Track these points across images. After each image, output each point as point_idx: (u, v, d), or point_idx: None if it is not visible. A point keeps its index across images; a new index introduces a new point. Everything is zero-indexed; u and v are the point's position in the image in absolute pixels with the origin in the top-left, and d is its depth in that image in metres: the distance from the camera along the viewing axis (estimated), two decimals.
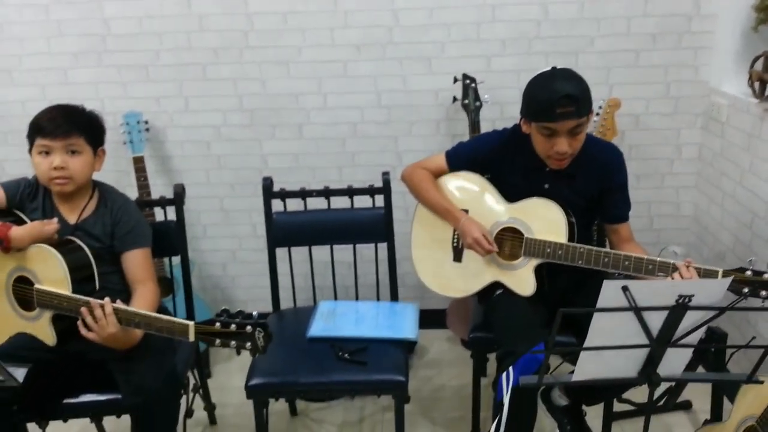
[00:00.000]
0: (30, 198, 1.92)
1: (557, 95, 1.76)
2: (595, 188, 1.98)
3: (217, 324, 1.57)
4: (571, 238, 1.91)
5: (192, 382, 2.19)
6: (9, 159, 2.87)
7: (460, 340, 2.94)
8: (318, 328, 2.09)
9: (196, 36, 2.70)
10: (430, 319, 2.75)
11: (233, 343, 1.56)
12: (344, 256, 2.50)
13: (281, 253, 2.30)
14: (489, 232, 1.96)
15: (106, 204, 1.94)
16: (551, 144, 1.85)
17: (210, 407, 2.40)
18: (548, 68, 1.87)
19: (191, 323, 1.61)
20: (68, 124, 1.84)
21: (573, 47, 2.69)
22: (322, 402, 2.58)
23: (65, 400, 1.82)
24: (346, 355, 1.95)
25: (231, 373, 2.78)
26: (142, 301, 1.84)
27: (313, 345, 2.03)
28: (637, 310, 1.29)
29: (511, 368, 1.70)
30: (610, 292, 1.28)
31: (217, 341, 1.57)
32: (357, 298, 2.40)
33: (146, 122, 2.71)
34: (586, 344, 1.35)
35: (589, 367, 1.40)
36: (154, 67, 2.74)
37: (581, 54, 2.70)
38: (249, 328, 1.54)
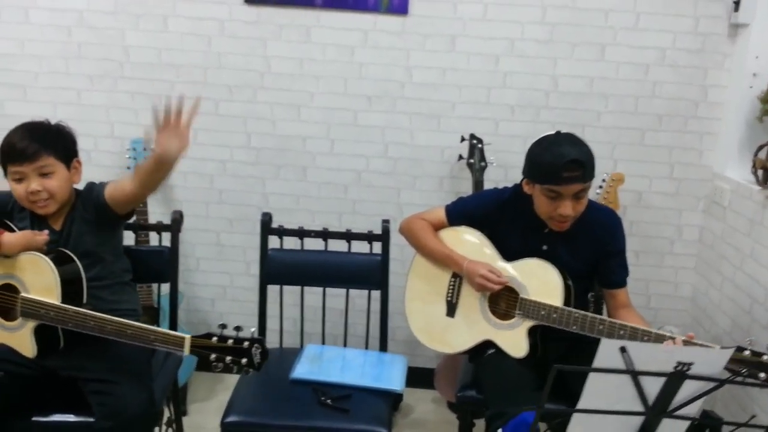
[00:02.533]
0: (19, 208, 1.90)
1: (564, 159, 1.78)
2: (594, 252, 1.98)
3: (214, 338, 1.54)
4: (567, 302, 1.89)
5: (167, 415, 2.11)
6: None
7: (446, 402, 2.85)
8: (302, 370, 2.03)
9: (213, 72, 2.75)
10: (418, 377, 2.69)
11: (229, 358, 1.53)
12: (336, 303, 2.46)
13: (272, 293, 2.26)
14: (494, 268, 1.94)
15: (83, 202, 1.91)
16: (555, 206, 1.85)
17: None
18: (552, 132, 1.90)
19: (188, 336, 1.57)
20: (35, 144, 1.80)
21: (580, 120, 2.74)
22: None
23: (34, 418, 1.74)
24: (329, 400, 1.89)
25: (207, 413, 2.68)
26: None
27: (295, 387, 1.97)
28: (634, 374, 1.26)
29: (500, 431, 1.64)
30: (607, 352, 1.25)
31: (213, 356, 1.54)
32: (345, 346, 2.34)
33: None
34: (579, 406, 1.31)
35: (580, 431, 1.35)
36: (167, 98, 2.76)
37: (588, 127, 2.74)
38: (246, 343, 1.51)
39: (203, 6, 2.67)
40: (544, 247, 1.95)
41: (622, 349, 1.23)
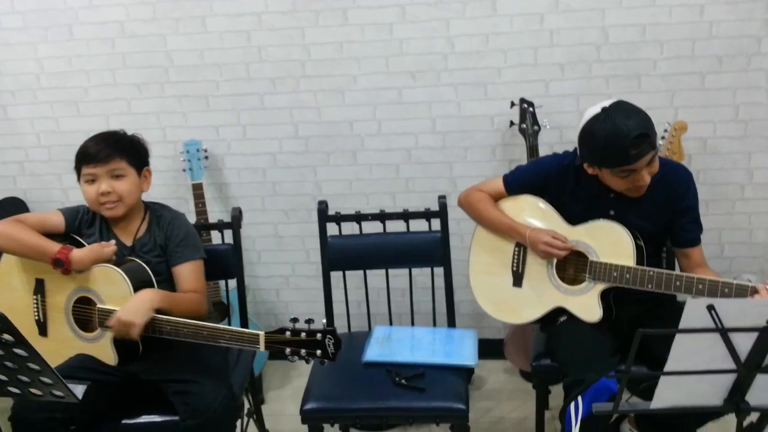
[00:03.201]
0: (87, 224, 1.96)
1: (628, 138, 1.68)
2: (665, 212, 1.89)
3: (287, 333, 1.56)
4: (639, 262, 1.82)
5: (246, 406, 2.16)
6: (74, 187, 2.92)
7: (518, 371, 2.83)
8: (373, 352, 2.04)
9: (255, 67, 2.75)
10: (487, 349, 2.66)
11: (303, 351, 1.56)
12: (398, 283, 2.46)
13: (335, 278, 2.27)
14: (558, 233, 1.88)
15: (158, 222, 1.96)
16: (632, 181, 1.77)
17: None
18: (598, 110, 1.76)
19: (262, 332, 1.60)
20: (109, 149, 1.88)
21: (635, 70, 2.62)
22: (377, 430, 2.50)
23: (123, 421, 1.81)
24: (403, 380, 1.89)
25: (284, 400, 2.74)
26: (185, 300, 1.85)
27: (368, 370, 1.97)
28: (724, 332, 1.20)
29: (580, 398, 1.60)
30: (694, 312, 1.19)
31: (288, 350, 1.57)
32: (413, 325, 2.33)
33: (205, 150, 2.76)
34: (667, 368, 1.26)
35: (669, 394, 1.30)
36: (213, 97, 2.80)
37: (644, 77, 2.62)
38: (319, 335, 1.52)
39: (239, 2, 2.67)
40: (612, 212, 1.88)
41: (710, 308, 1.17)
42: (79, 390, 1.46)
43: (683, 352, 1.24)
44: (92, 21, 2.75)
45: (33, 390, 1.44)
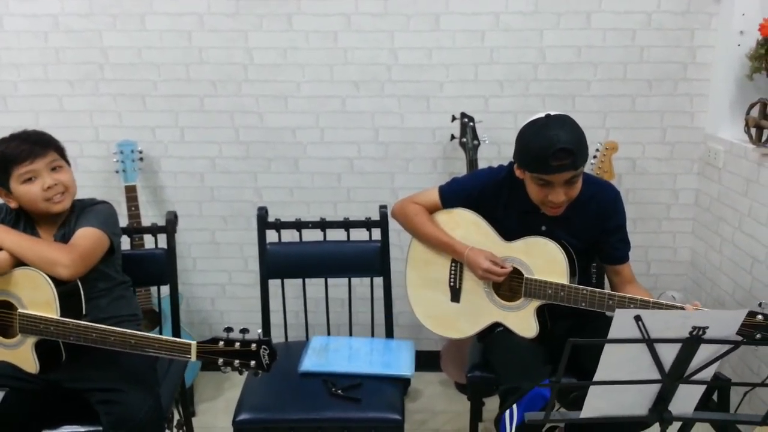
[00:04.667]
0: (11, 224, 1.85)
1: (552, 148, 1.70)
2: (594, 230, 1.94)
3: (221, 342, 1.51)
4: (572, 277, 1.87)
5: (176, 417, 2.09)
6: None
7: (454, 383, 2.85)
8: (310, 362, 2.01)
9: (195, 68, 2.70)
10: (423, 361, 2.68)
11: (237, 362, 1.52)
12: (337, 293, 2.44)
13: (273, 287, 2.24)
14: (495, 256, 1.91)
15: (79, 212, 1.89)
16: (546, 193, 1.80)
17: None
18: (542, 115, 1.80)
19: (193, 342, 1.55)
20: (40, 145, 1.81)
21: (570, 90, 2.71)
22: None
23: (44, 431, 1.72)
24: (340, 391, 1.87)
25: (216, 412, 2.67)
26: (40, 243, 1.75)
27: (304, 380, 1.95)
28: (650, 342, 1.25)
29: (515, 405, 1.63)
30: (622, 322, 1.23)
31: (221, 360, 1.52)
32: (350, 335, 2.32)
33: (140, 152, 2.68)
34: (596, 378, 1.30)
35: (597, 404, 1.34)
36: (150, 98, 2.72)
37: (578, 97, 2.72)
38: (254, 346, 1.49)
39: (181, 1, 2.61)
40: (543, 228, 1.91)
41: (637, 318, 1.21)
42: None
43: (612, 361, 1.28)
44: (24, 13, 2.63)
45: None
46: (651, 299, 1.75)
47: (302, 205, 2.84)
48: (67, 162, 1.89)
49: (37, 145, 1.80)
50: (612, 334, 1.24)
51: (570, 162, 1.72)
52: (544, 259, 1.88)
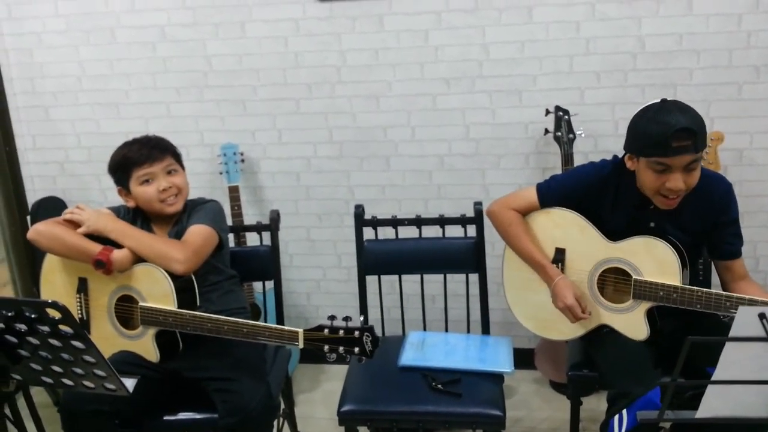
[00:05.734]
0: (129, 222, 1.99)
1: (673, 128, 1.65)
2: (704, 224, 1.86)
3: (326, 330, 1.58)
4: (684, 279, 1.80)
5: (282, 407, 2.18)
6: (111, 188, 2.97)
7: (549, 381, 2.82)
8: (409, 357, 2.05)
9: (292, 72, 2.79)
10: (518, 358, 2.61)
11: (342, 348, 1.58)
12: (432, 289, 2.47)
13: (369, 283, 2.28)
14: (583, 299, 1.87)
15: (191, 211, 2.00)
16: (663, 180, 1.72)
17: None
18: (657, 101, 1.76)
19: (301, 330, 1.62)
20: (158, 150, 1.95)
21: (671, 80, 2.61)
22: None
23: (164, 417, 1.84)
24: (440, 385, 1.90)
25: (314, 404, 2.76)
26: (156, 239, 1.88)
27: (404, 374, 1.98)
28: None
29: (624, 411, 1.59)
30: (745, 320, 1.19)
31: (326, 347, 1.59)
32: (446, 331, 2.34)
33: (242, 153, 2.81)
34: (715, 377, 1.25)
35: (715, 404, 1.30)
36: (251, 102, 2.84)
37: (680, 86, 2.61)
38: (357, 333, 1.54)
39: (278, 8, 2.71)
40: (651, 224, 1.85)
41: (761, 316, 1.16)
42: (129, 383, 1.50)
43: (732, 360, 1.24)
44: (134, 25, 2.81)
45: (86, 382, 1.48)
46: None
47: (394, 203, 2.88)
48: (182, 167, 2.01)
49: (156, 149, 1.93)
50: (734, 331, 1.20)
51: (691, 143, 1.67)
52: (655, 260, 1.80)
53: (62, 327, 1.38)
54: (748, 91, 2.59)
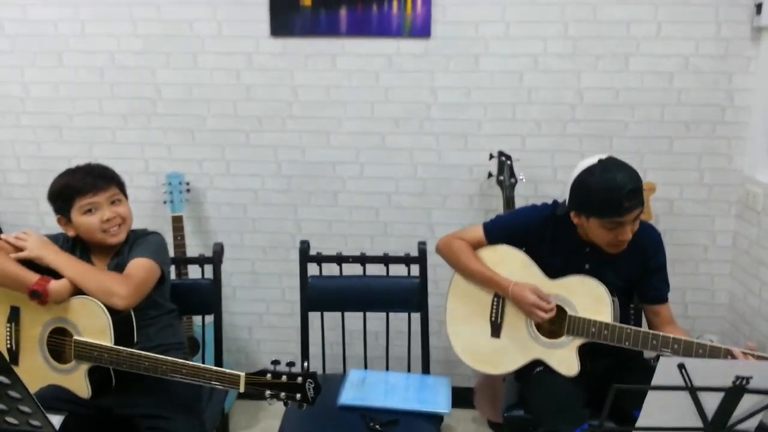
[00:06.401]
0: (67, 251, 1.94)
1: (624, 191, 1.76)
2: (637, 270, 1.97)
3: (268, 375, 1.57)
4: (615, 318, 1.88)
5: None
6: (50, 213, 2.88)
7: (486, 421, 2.85)
8: (349, 396, 2.05)
9: (243, 104, 2.80)
10: (457, 397, 2.64)
11: (283, 394, 1.56)
12: (374, 326, 2.48)
13: (310, 318, 2.28)
14: (540, 289, 1.94)
15: (133, 242, 1.97)
16: (616, 234, 1.84)
17: None
18: (593, 161, 1.85)
19: (242, 373, 1.60)
20: (103, 180, 1.92)
21: (607, 131, 2.74)
22: None
23: None
24: (378, 426, 1.90)
25: None
26: (96, 273, 1.83)
27: (343, 414, 1.98)
28: (693, 390, 1.26)
29: None
30: (666, 369, 1.25)
31: (267, 392, 1.57)
32: (387, 369, 2.35)
33: (188, 183, 2.78)
34: (639, 424, 1.31)
35: None
36: (199, 132, 2.83)
37: (615, 138, 2.75)
38: (300, 379, 1.53)
39: (231, 41, 2.73)
40: (587, 266, 1.95)
41: (681, 366, 1.23)
42: (56, 420, 1.45)
43: (654, 408, 1.30)
44: (82, 49, 2.77)
45: (9, 419, 1.42)
46: (695, 340, 1.75)
47: (340, 238, 2.90)
48: (126, 196, 1.98)
49: (100, 179, 1.90)
50: (656, 380, 1.26)
51: (639, 200, 1.80)
52: (589, 298, 1.90)
53: None
54: (678, 144, 2.75)
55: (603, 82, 2.71)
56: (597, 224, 1.84)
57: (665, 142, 2.75)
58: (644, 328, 2.05)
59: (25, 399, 1.37)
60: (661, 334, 1.81)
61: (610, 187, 1.77)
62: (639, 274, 1.97)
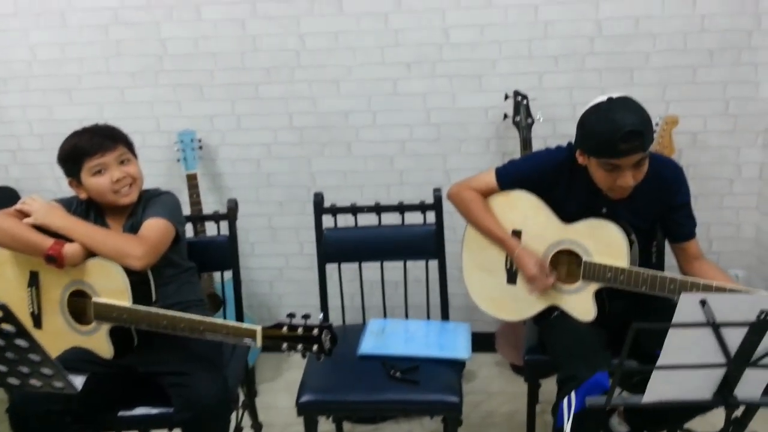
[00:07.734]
0: (81, 215, 1.94)
1: (620, 131, 1.66)
2: (657, 208, 1.90)
3: (284, 328, 1.57)
4: (633, 261, 1.83)
5: (241, 398, 2.18)
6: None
7: (509, 364, 2.86)
8: (368, 345, 2.05)
9: (250, 56, 2.74)
10: (479, 342, 2.65)
11: (300, 346, 1.56)
12: (393, 276, 2.47)
13: (330, 271, 2.28)
14: (545, 264, 1.90)
15: (145, 202, 1.96)
16: (614, 178, 1.76)
17: (257, 426, 2.37)
18: (603, 98, 1.76)
19: (259, 327, 1.60)
20: (110, 139, 1.89)
21: (628, 63, 2.63)
22: (369, 424, 2.52)
23: (119, 413, 1.82)
24: (398, 373, 1.91)
25: (277, 393, 2.76)
26: (108, 234, 1.82)
27: (363, 363, 1.99)
28: (716, 326, 1.22)
29: (573, 393, 1.63)
30: (686, 306, 1.21)
31: (284, 345, 1.58)
32: (407, 317, 2.35)
33: (200, 140, 2.76)
34: (660, 363, 1.28)
35: (660, 388, 1.33)
36: (208, 87, 2.79)
37: (636, 70, 2.64)
38: (316, 331, 1.53)
39: None
40: (604, 210, 1.88)
41: (702, 303, 1.19)
42: (78, 381, 1.47)
43: (675, 346, 1.27)
44: (85, 7, 2.72)
45: (32, 381, 1.44)
46: (714, 283, 1.70)
47: (356, 189, 2.87)
48: (135, 156, 1.96)
49: (107, 138, 1.88)
50: (676, 318, 1.22)
51: (639, 144, 1.69)
52: (604, 242, 1.85)
53: (4, 326, 1.34)
54: (702, 74, 2.63)
55: (622, 11, 2.58)
56: (596, 164, 1.77)
57: (688, 72, 2.63)
58: (666, 269, 2.02)
59: (44, 361, 1.39)
60: (679, 277, 1.75)
61: (609, 125, 1.68)
62: (661, 212, 1.90)
